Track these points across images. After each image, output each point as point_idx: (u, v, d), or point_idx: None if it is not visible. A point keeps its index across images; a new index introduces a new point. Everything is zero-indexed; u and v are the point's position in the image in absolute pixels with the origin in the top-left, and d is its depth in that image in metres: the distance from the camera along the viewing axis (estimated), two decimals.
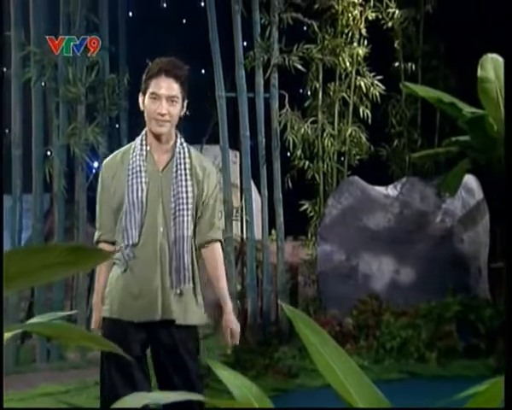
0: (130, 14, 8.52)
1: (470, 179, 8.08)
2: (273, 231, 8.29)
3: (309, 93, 8.53)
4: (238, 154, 8.29)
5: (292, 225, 8.32)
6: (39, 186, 7.74)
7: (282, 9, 8.01)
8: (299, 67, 8.07)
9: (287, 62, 7.98)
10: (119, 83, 7.94)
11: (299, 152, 8.33)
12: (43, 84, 7.64)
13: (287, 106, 8.20)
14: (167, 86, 3.71)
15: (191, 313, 3.79)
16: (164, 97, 3.71)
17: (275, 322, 8.13)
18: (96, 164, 8.10)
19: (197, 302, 3.80)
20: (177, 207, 3.73)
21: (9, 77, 7.65)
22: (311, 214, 8.55)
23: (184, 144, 3.83)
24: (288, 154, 8.37)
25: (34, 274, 1.67)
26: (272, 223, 8.11)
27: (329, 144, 8.45)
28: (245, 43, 8.01)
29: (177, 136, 3.83)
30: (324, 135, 8.47)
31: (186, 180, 3.75)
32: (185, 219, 3.74)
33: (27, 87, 7.62)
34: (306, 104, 8.53)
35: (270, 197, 8.02)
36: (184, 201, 3.76)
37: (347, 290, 7.83)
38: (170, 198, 3.72)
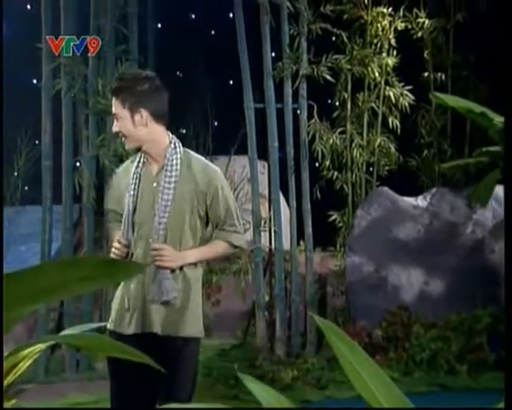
0: (159, 25, 8.55)
1: (501, 190, 8.02)
2: (301, 242, 8.27)
3: (337, 103, 8.52)
4: (266, 164, 8.29)
5: (320, 235, 8.30)
6: (69, 197, 7.79)
7: (310, 20, 8.00)
8: (328, 77, 8.04)
9: (315, 73, 7.97)
10: None
11: (327, 162, 8.31)
12: (72, 95, 7.71)
13: (315, 116, 8.20)
14: (112, 105, 3.78)
15: (182, 323, 3.78)
16: (113, 117, 3.78)
17: (303, 333, 8.10)
18: None
19: (189, 313, 3.80)
20: (163, 219, 3.75)
21: (40, 89, 7.74)
22: (340, 225, 8.53)
23: (177, 150, 3.79)
24: (317, 164, 8.37)
25: (68, 286, 1.72)
26: (301, 234, 8.09)
27: (358, 155, 8.43)
28: (273, 54, 8.02)
29: (170, 143, 3.79)
30: (353, 145, 8.45)
31: (170, 188, 3.74)
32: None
33: (57, 99, 7.69)
34: (335, 115, 8.52)
35: (299, 208, 8.02)
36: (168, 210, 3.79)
37: (376, 302, 7.80)
38: (160, 207, 3.74)
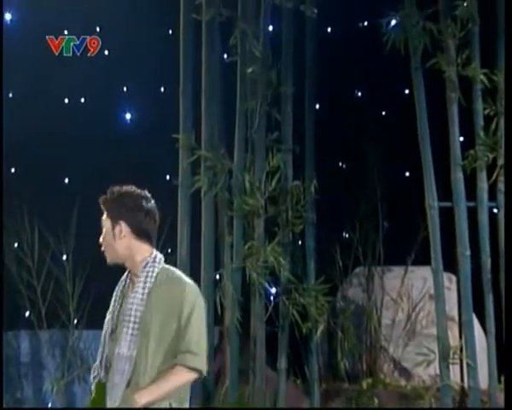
0: (318, 106, 8.43)
1: None
2: (503, 379, 7.51)
3: None
4: (454, 278, 8.09)
5: None
6: (209, 318, 7.29)
7: None
8: None
9: None
10: (305, 191, 7.85)
11: None
12: (214, 194, 7.77)
13: None
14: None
15: None
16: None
17: None
18: (275, 291, 7.98)
19: None
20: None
21: (176, 187, 7.84)
22: None
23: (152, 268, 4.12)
24: None
25: None
26: (502, 368, 7.42)
27: None
28: (463, 139, 7.79)
29: (149, 259, 4.11)
30: None
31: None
32: None
33: (196, 198, 7.78)
34: None
35: (499, 334, 7.49)
36: None
37: None
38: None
